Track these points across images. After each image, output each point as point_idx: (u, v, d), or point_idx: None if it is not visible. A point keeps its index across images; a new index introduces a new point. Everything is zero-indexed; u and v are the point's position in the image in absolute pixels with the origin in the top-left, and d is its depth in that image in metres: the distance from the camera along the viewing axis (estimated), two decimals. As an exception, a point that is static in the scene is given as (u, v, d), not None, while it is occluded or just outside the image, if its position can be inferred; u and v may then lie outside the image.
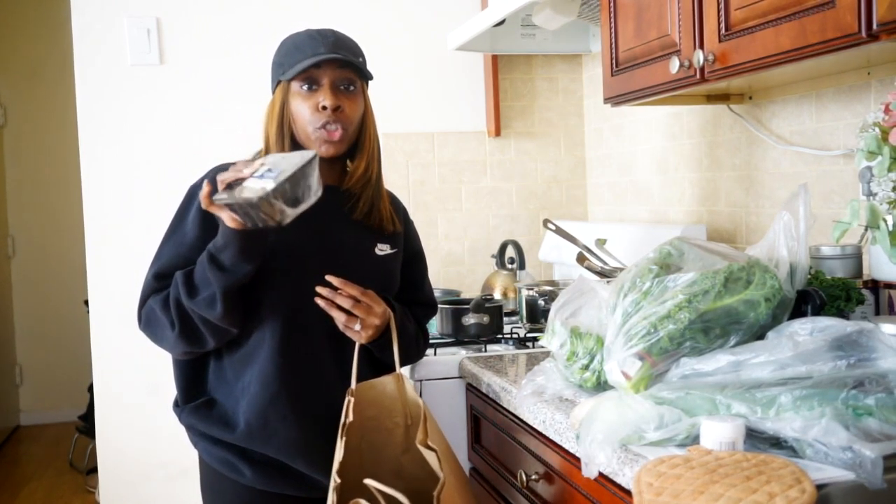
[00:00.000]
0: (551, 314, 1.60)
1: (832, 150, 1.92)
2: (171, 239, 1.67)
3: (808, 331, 1.29)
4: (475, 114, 3.10)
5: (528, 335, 2.27)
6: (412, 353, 1.82)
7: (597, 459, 1.23)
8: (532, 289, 2.38)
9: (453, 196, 3.09)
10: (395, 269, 1.79)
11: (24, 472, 4.74)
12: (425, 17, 3.04)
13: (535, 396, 1.57)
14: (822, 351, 1.24)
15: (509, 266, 2.82)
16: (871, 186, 1.37)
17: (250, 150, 1.74)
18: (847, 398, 1.14)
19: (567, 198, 3.17)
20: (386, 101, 2.59)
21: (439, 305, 2.14)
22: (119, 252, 2.81)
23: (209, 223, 1.61)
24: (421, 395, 1.99)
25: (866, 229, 1.38)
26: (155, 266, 1.66)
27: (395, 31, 3.01)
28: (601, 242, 2.34)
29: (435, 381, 2.07)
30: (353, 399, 1.59)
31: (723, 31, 1.61)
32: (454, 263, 3.08)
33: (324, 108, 1.63)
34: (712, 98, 2.18)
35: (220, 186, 1.47)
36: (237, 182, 1.46)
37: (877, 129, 1.35)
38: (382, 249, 1.74)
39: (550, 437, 1.53)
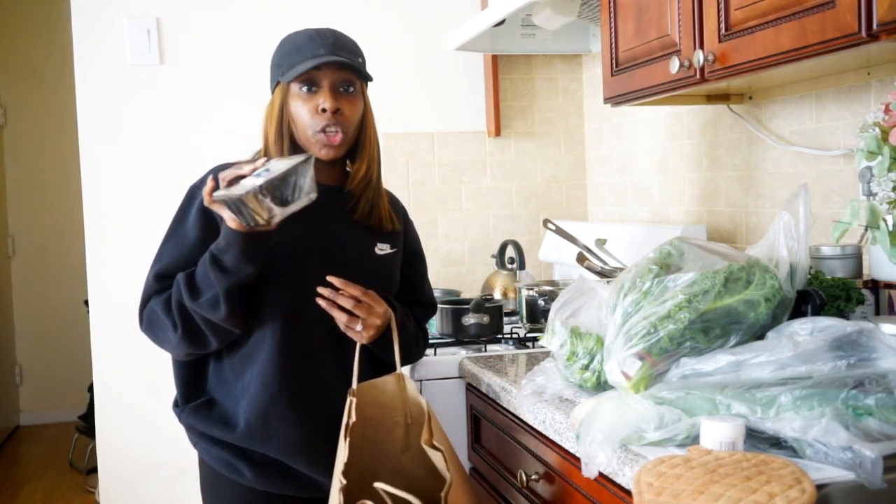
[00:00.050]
0: (551, 314, 1.60)
1: (832, 150, 1.92)
2: (171, 239, 1.67)
3: (808, 331, 1.29)
4: (475, 114, 3.10)
5: (528, 335, 2.26)
6: (412, 353, 1.82)
7: (597, 459, 1.23)
8: (532, 289, 2.38)
9: (453, 196, 3.08)
10: (395, 269, 1.79)
11: (24, 472, 4.73)
12: (425, 17, 3.04)
13: (535, 396, 1.57)
14: (822, 351, 1.24)
15: (509, 266, 2.82)
16: (871, 186, 1.37)
17: (250, 150, 1.74)
18: (847, 398, 1.14)
19: (567, 198, 3.17)
20: (386, 101, 2.60)
21: (439, 305, 2.14)
22: (119, 252, 2.81)
23: (210, 223, 1.62)
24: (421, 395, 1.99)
25: (866, 229, 1.37)
26: (156, 267, 1.66)
27: (395, 31, 3.01)
28: (601, 242, 2.34)
29: (435, 381, 2.07)
30: (355, 399, 1.60)
31: (723, 31, 1.61)
32: (454, 263, 3.08)
33: (323, 110, 1.63)
34: (712, 98, 2.18)
35: (222, 184, 1.48)
36: (236, 180, 1.48)
37: (877, 129, 1.35)
38: (382, 249, 1.74)
39: (550, 437, 1.53)
